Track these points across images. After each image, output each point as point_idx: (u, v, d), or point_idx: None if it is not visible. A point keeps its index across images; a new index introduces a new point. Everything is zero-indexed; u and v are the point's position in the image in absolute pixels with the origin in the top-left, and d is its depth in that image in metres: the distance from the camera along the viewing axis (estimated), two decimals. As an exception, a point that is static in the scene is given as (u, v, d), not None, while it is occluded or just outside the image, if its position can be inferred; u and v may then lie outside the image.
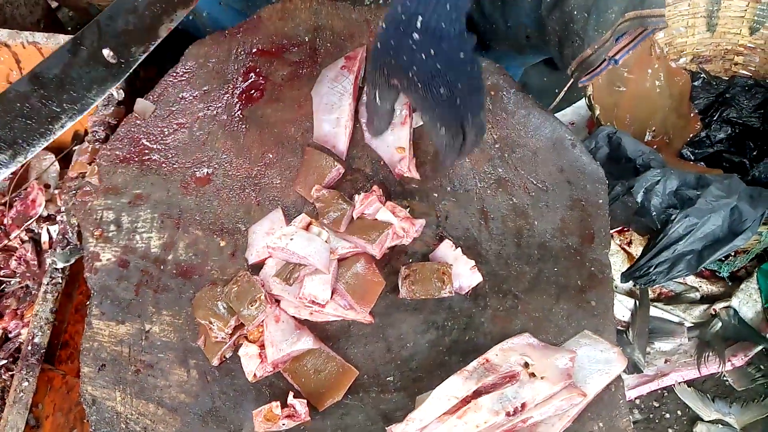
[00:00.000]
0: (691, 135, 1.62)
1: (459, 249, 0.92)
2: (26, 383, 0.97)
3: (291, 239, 0.88)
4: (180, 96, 1.07)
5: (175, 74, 1.09)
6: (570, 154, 1.01)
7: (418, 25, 0.77)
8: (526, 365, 0.82)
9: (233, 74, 1.08)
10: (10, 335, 1.25)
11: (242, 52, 1.10)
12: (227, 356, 0.91)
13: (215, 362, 0.89)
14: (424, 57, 0.77)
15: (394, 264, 0.94)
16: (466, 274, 0.91)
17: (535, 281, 0.93)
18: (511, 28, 1.18)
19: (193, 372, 0.90)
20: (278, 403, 0.83)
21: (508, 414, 0.78)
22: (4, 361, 1.21)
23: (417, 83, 0.79)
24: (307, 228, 0.93)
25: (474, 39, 0.81)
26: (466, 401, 0.79)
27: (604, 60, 1.01)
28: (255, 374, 0.87)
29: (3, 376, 1.20)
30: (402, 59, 0.78)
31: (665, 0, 0.98)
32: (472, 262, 0.91)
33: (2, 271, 1.34)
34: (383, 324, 0.91)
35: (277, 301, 0.91)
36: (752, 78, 1.63)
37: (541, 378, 0.81)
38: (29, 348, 0.99)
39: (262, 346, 0.88)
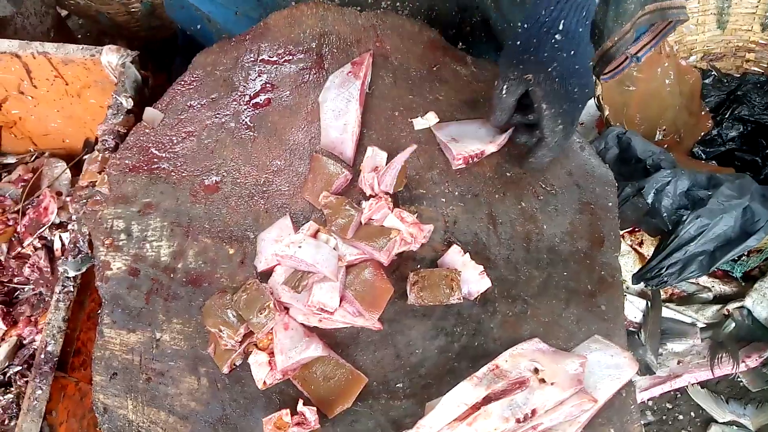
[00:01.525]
0: (702, 133, 1.60)
1: (467, 254, 0.92)
2: (40, 391, 0.98)
3: (299, 247, 0.88)
4: (188, 104, 1.08)
5: (183, 82, 1.10)
6: (579, 157, 1.00)
7: (561, 27, 0.84)
8: (536, 371, 0.82)
9: (241, 81, 1.09)
10: (24, 342, 1.27)
11: (249, 59, 1.10)
12: (237, 364, 0.91)
13: (225, 370, 0.90)
14: (565, 56, 0.84)
15: (403, 270, 0.94)
16: (474, 280, 0.90)
17: (545, 286, 0.93)
18: (527, 26, 1.17)
19: (204, 380, 0.91)
20: (288, 410, 0.84)
21: (518, 420, 0.78)
22: (19, 368, 1.22)
23: (555, 78, 0.84)
24: (315, 235, 0.93)
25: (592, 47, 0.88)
26: (476, 408, 0.79)
27: (626, 58, 1.00)
28: (265, 382, 0.87)
29: (18, 383, 1.21)
30: (543, 56, 0.84)
31: (686, -9, 0.99)
32: (481, 268, 0.91)
33: (16, 278, 1.36)
34: (392, 330, 0.91)
35: (286, 309, 0.91)
36: (764, 75, 1.61)
37: (552, 384, 0.80)
38: (42, 356, 1.00)
39: (271, 354, 0.88)
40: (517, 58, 0.87)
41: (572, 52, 0.84)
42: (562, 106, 0.86)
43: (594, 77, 1.06)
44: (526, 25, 0.86)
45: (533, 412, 0.78)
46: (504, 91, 0.90)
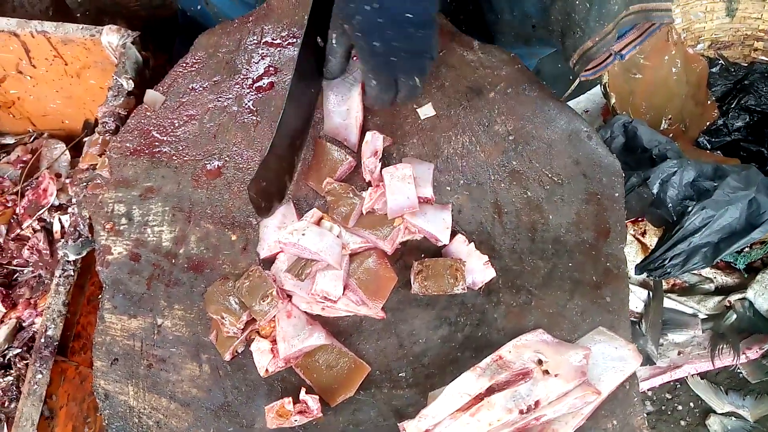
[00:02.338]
0: (708, 123, 1.59)
1: (472, 244, 0.91)
2: (40, 375, 0.98)
3: (303, 234, 0.87)
4: (190, 87, 1.06)
5: (184, 64, 1.08)
6: (586, 146, 0.99)
7: None
8: (540, 362, 0.81)
9: (243, 64, 1.07)
10: (24, 324, 1.26)
11: (252, 42, 1.08)
12: (239, 351, 0.91)
13: (227, 357, 0.89)
14: (368, 8, 0.80)
15: (407, 259, 0.93)
16: (479, 270, 0.90)
17: (550, 276, 0.92)
18: (516, 17, 1.16)
19: (206, 367, 0.90)
20: (290, 399, 0.83)
21: (521, 412, 0.77)
22: (19, 350, 1.22)
23: (357, 32, 0.83)
24: (318, 223, 0.92)
25: (437, 6, 0.84)
26: (479, 398, 0.79)
27: (610, 54, 0.98)
28: (267, 369, 0.87)
29: (18, 365, 1.21)
30: (350, 7, 0.82)
31: (672, -7, 0.96)
32: (486, 258, 0.90)
33: (15, 260, 1.35)
34: (395, 319, 0.91)
35: (289, 297, 0.90)
36: (772, 64, 1.60)
37: (555, 375, 0.80)
38: (42, 341, 0.99)
39: (274, 342, 0.87)
40: (340, 8, 0.86)
41: (376, 5, 0.80)
42: (368, 62, 0.85)
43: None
44: None
45: (536, 403, 0.78)
46: (334, 41, 0.90)
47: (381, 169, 0.93)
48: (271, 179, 0.92)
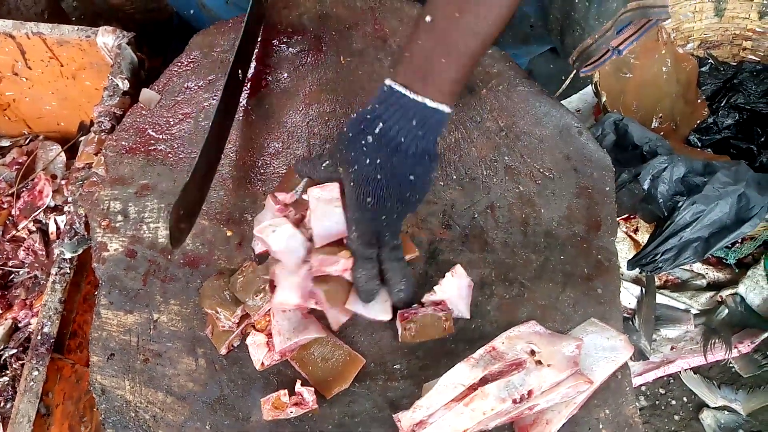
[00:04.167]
0: (698, 121, 1.61)
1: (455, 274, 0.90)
2: (36, 372, 0.98)
3: (273, 231, 0.88)
4: (185, 86, 1.07)
5: (180, 64, 1.09)
6: (577, 141, 1.01)
7: (377, 130, 0.76)
8: (533, 353, 0.82)
9: (238, 63, 1.08)
10: (19, 325, 1.26)
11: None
12: (235, 345, 0.91)
13: (223, 351, 0.90)
14: (368, 162, 0.77)
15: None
16: (462, 300, 0.90)
17: (542, 269, 0.93)
18: (515, 17, 1.17)
19: (202, 361, 0.91)
20: (286, 391, 0.84)
21: (514, 401, 0.78)
22: (15, 351, 1.22)
23: (351, 181, 0.79)
24: (302, 220, 0.92)
25: (435, 168, 0.81)
26: (472, 388, 0.79)
27: (608, 50, 1.00)
28: (263, 363, 0.88)
29: (14, 365, 1.21)
30: (350, 155, 0.78)
31: (669, -10, 0.98)
32: (468, 280, 0.91)
33: (11, 261, 1.35)
34: (390, 313, 0.91)
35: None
36: (761, 63, 1.62)
37: (548, 365, 0.81)
38: (39, 338, 1.00)
39: (269, 335, 0.88)
40: (337, 145, 0.82)
41: (377, 161, 0.77)
42: (354, 213, 0.81)
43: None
44: (353, 116, 0.80)
45: (530, 392, 0.79)
46: (322, 166, 0.85)
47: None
48: (188, 207, 0.89)
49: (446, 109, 0.77)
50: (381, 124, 0.76)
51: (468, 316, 0.90)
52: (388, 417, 0.85)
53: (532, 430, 0.83)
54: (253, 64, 1.07)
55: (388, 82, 0.78)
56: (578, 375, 0.81)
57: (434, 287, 0.89)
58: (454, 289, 0.89)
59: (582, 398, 0.83)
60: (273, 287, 0.88)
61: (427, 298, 0.89)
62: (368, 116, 0.78)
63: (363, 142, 0.77)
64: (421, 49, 0.76)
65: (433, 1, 0.77)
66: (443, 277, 0.89)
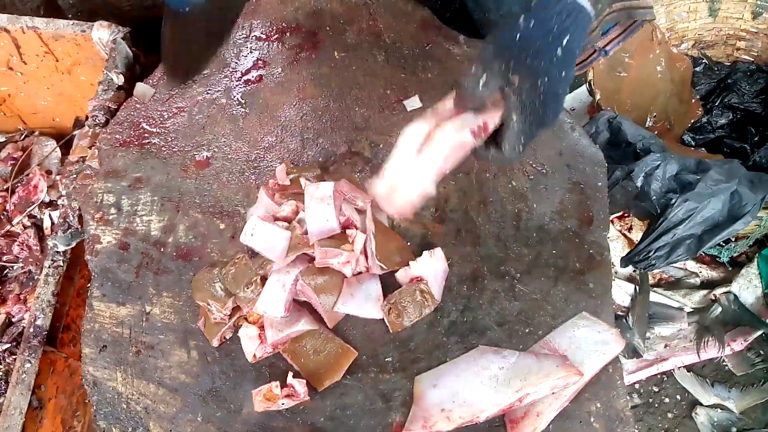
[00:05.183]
0: (692, 121, 1.62)
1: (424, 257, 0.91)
2: (29, 364, 0.98)
3: (252, 235, 0.89)
4: (179, 80, 1.07)
5: (174, 58, 1.09)
6: (569, 137, 1.01)
7: (564, 42, 0.75)
8: None
9: (232, 58, 1.08)
10: (13, 320, 1.26)
11: (241, 36, 1.10)
12: (227, 337, 0.91)
13: (215, 343, 0.90)
14: (556, 74, 0.75)
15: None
16: (434, 273, 0.90)
17: (534, 263, 0.93)
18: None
19: (194, 353, 0.91)
20: (278, 383, 0.84)
21: (473, 133, 0.74)
22: (8, 345, 1.22)
23: (540, 93, 0.75)
24: (295, 215, 0.92)
25: None
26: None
27: (594, 51, 1.00)
28: (255, 355, 0.88)
29: (6, 360, 1.21)
30: (540, 65, 0.74)
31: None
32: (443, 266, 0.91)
33: (5, 256, 1.35)
34: (382, 305, 0.91)
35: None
36: (754, 63, 1.63)
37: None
38: (31, 330, 1.00)
39: (261, 327, 0.88)
40: (510, 54, 0.76)
41: (563, 74, 0.76)
42: (529, 124, 0.77)
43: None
44: (531, 24, 0.77)
45: (485, 126, 0.75)
46: (482, 82, 0.78)
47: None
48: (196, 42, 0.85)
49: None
50: (568, 36, 0.75)
51: (439, 299, 0.90)
52: (380, 409, 0.85)
53: (523, 422, 0.83)
54: (249, 59, 1.08)
55: None
56: (568, 366, 0.82)
57: (410, 262, 0.89)
58: (431, 270, 0.90)
59: (572, 391, 0.83)
60: (264, 280, 0.89)
61: (403, 273, 0.90)
62: (555, 28, 0.75)
63: (554, 54, 0.75)
64: None
65: None
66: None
